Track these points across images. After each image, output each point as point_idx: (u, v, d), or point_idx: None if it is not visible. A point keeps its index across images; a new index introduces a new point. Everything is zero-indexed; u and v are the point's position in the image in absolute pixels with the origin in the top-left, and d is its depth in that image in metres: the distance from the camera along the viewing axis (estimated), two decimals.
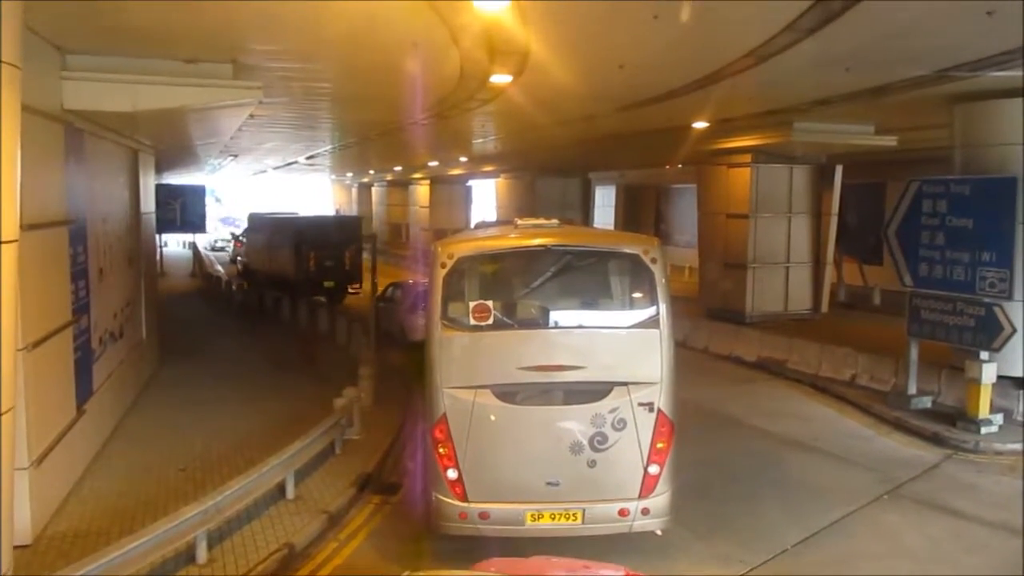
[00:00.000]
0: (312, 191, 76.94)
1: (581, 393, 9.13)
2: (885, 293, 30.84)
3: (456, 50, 11.48)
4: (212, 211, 61.37)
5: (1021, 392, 15.14)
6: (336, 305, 28.33)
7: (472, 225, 16.10)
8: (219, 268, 47.22)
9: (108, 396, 13.82)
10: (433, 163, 42.60)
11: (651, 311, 9.30)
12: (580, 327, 9.50)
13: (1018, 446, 13.86)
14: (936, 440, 14.30)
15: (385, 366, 19.67)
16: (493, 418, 9.07)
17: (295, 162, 42.43)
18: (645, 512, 9.15)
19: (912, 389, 16.10)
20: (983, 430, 14.24)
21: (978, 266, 14.46)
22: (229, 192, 76.55)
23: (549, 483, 9.03)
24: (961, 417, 14.70)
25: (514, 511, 9.06)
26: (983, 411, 14.38)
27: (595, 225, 46.79)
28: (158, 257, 44.05)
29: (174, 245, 53.67)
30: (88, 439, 12.44)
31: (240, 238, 46.18)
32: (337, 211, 74.17)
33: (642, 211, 56.35)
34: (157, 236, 45.22)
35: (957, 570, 9.49)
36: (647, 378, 9.08)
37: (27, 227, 9.35)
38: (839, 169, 23.41)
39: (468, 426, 9.03)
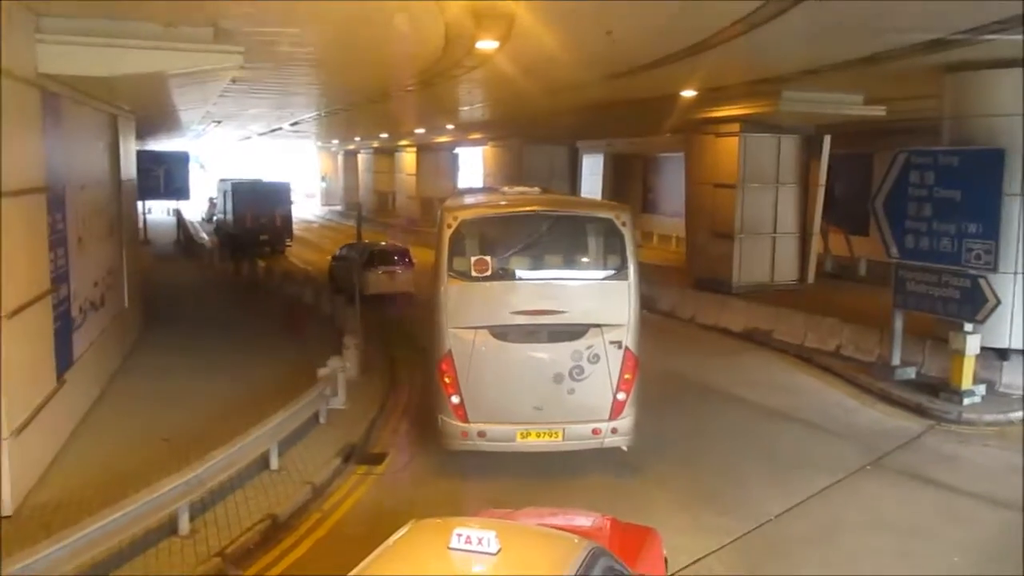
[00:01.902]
0: (298, 158, 76.30)
1: (562, 333, 10.89)
2: (871, 264, 30.85)
3: (441, 15, 11.27)
4: (197, 177, 60.78)
5: (1004, 363, 15.22)
6: (276, 257, 32.57)
7: (456, 192, 17.27)
8: (204, 235, 46.82)
9: (90, 366, 13.69)
10: (420, 130, 42.25)
11: (621, 266, 11.14)
12: (562, 278, 11.26)
13: (1000, 416, 13.96)
14: (920, 411, 14.38)
15: (372, 334, 19.73)
16: (490, 354, 10.79)
17: (280, 128, 41.96)
18: (614, 431, 11.03)
19: (896, 360, 16.15)
20: (966, 401, 14.31)
21: (964, 238, 14.44)
22: (215, 158, 75.70)
23: (535, 407, 10.78)
24: (944, 388, 14.77)
25: (507, 430, 10.86)
26: (966, 382, 14.44)
27: (582, 194, 46.79)
28: (141, 224, 44.31)
29: (159, 212, 53.03)
30: (70, 409, 12.32)
31: (213, 200, 51.00)
32: (323, 177, 73.81)
33: (630, 180, 56.01)
34: (141, 203, 45.72)
35: (939, 541, 9.56)
36: (617, 321, 10.94)
37: (4, 194, 9.19)
38: (827, 139, 23.31)
39: (469, 360, 10.77)
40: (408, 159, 52.50)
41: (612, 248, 11.27)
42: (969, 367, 14.46)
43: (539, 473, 11.09)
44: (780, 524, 9.95)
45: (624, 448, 11.28)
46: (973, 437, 13.21)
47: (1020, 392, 14.89)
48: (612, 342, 10.86)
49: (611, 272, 11.19)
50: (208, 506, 9.88)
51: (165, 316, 21.56)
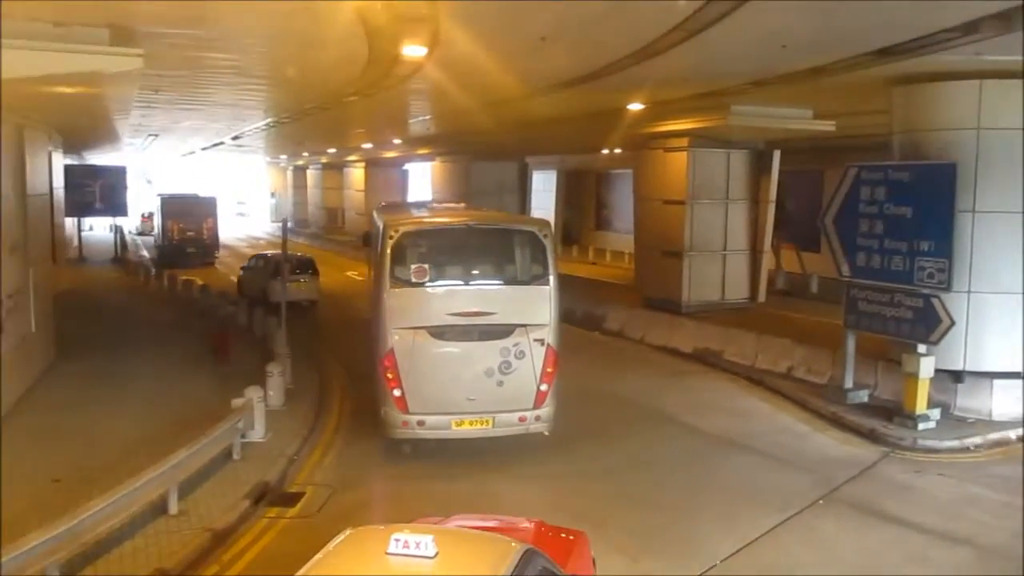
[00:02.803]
0: (247, 173, 74.74)
1: (492, 332, 12.07)
2: (823, 280, 30.61)
3: (359, 21, 10.39)
4: (143, 192, 58.89)
5: (958, 386, 14.66)
6: (202, 268, 33.24)
7: (379, 206, 18.19)
8: (145, 253, 45.17)
9: None
10: (367, 145, 41.30)
11: (543, 273, 12.42)
12: (492, 284, 12.57)
13: (955, 443, 13.37)
14: (873, 437, 13.74)
15: (304, 355, 18.68)
16: (428, 351, 11.95)
17: (221, 143, 40.70)
18: (537, 419, 12.25)
19: (849, 383, 15.54)
20: (920, 426, 13.71)
21: (916, 256, 13.89)
22: (163, 173, 73.76)
23: (469, 398, 11.91)
24: (898, 412, 14.17)
25: (443, 419, 11.98)
26: (920, 407, 13.86)
27: (534, 211, 46.17)
28: (77, 242, 42.61)
29: (102, 229, 51.03)
30: None
31: (146, 214, 52.72)
32: (273, 193, 72.31)
33: (583, 196, 55.67)
34: (78, 219, 43.99)
35: None
36: (540, 321, 12.20)
37: None
38: (777, 155, 22.81)
39: (409, 357, 11.86)
40: (357, 175, 51.41)
41: (536, 258, 12.58)
42: (923, 391, 13.88)
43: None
44: (728, 568, 9.14)
45: (546, 433, 12.44)
46: (928, 466, 12.57)
47: (975, 416, 14.35)
48: (536, 340, 12.11)
49: (535, 278, 12.51)
50: (90, 558, 8.78)
51: (85, 340, 20.21)
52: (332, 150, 47.50)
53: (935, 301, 13.70)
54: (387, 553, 5.24)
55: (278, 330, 17.02)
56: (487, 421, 12.05)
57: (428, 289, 12.16)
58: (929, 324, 13.78)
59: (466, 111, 21.81)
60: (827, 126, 20.84)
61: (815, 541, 9.95)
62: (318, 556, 5.55)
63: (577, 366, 18.96)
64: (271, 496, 11.02)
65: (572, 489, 11.43)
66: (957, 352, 14.37)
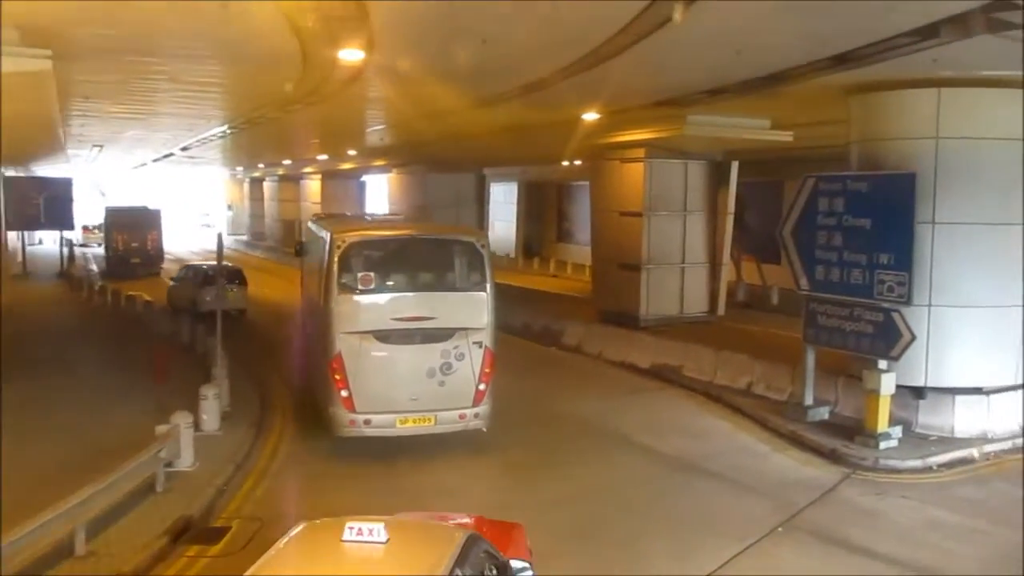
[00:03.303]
0: (204, 185, 73.28)
1: (434, 335, 12.73)
2: (783, 292, 30.36)
3: (286, 22, 9.72)
4: (96, 205, 57.16)
5: (920, 402, 14.25)
6: (148, 279, 32.91)
7: (314, 217, 19.27)
8: (94, 267, 43.77)
9: None
10: (323, 157, 40.42)
11: (481, 280, 13.16)
12: (433, 290, 13.29)
13: (918, 462, 12.92)
14: (834, 457, 13.24)
15: (246, 372, 17.89)
16: (373, 353, 12.54)
17: (171, 154, 39.59)
18: (476, 416, 12.94)
19: (809, 400, 15.07)
20: (882, 445, 13.25)
21: (876, 269, 13.45)
22: (118, 186, 71.99)
23: (412, 398, 12.56)
24: (859, 431, 13.70)
25: (388, 418, 12.57)
26: (882, 424, 13.40)
27: (494, 223, 45.62)
28: (21, 257, 41.16)
29: (51, 242, 49.29)
30: None
31: (89, 226, 52.63)
32: (229, 206, 71.00)
33: (545, 208, 55.22)
34: (22, 234, 42.52)
35: None
36: (478, 325, 12.91)
37: None
38: (735, 166, 22.42)
39: (356, 359, 12.43)
40: (313, 187, 50.42)
41: (474, 266, 13.29)
42: (884, 408, 13.42)
43: None
44: None
45: (483, 429, 13.16)
46: (891, 487, 12.06)
47: (937, 434, 13.94)
48: (474, 342, 12.84)
49: (473, 285, 13.23)
50: None
51: (12, 362, 19.11)
52: (287, 162, 46.55)
53: (895, 315, 13.27)
54: (342, 540, 5.63)
55: (217, 347, 16.18)
56: (430, 419, 12.72)
57: (373, 296, 12.78)
58: (889, 339, 13.35)
59: (417, 120, 21.19)
60: (785, 136, 20.50)
61: (775, 571, 9.37)
62: (274, 548, 5.84)
63: (533, 385, 18.43)
64: (193, 532, 10.20)
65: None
66: (918, 368, 13.95)
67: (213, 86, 15.87)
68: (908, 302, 13.07)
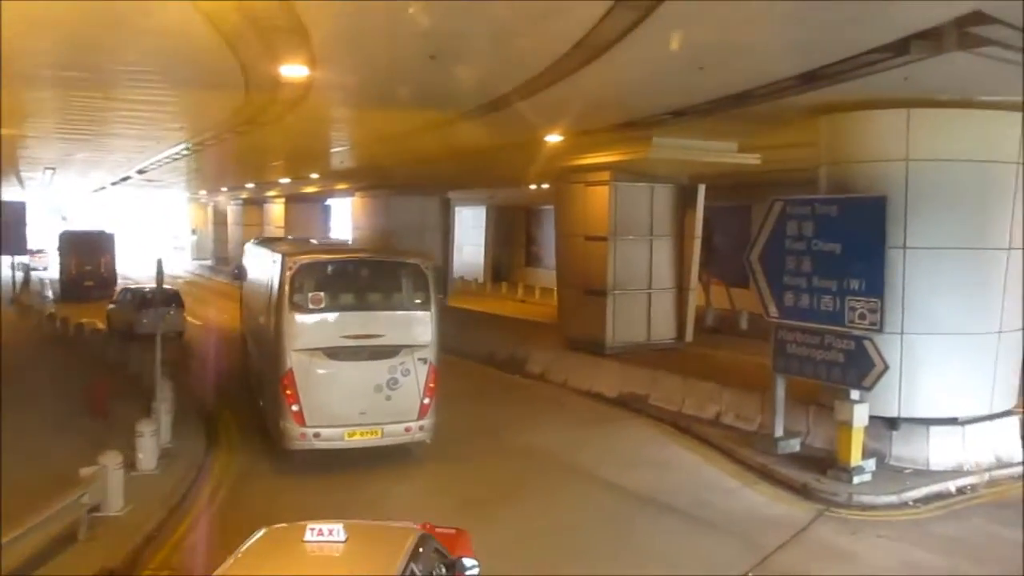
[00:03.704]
0: (171, 209, 72.00)
1: (381, 352, 13.30)
2: (753, 317, 30.00)
3: (218, 35, 9.05)
4: (55, 229, 55.60)
5: (893, 433, 13.73)
6: (101, 302, 31.47)
7: (254, 240, 20.55)
8: (49, 293, 42.43)
9: None
10: (285, 180, 39.58)
11: (425, 300, 13.79)
12: (380, 309, 13.85)
13: (893, 498, 12.36)
14: (806, 493, 12.65)
15: (193, 402, 17.04)
16: (323, 370, 13.09)
17: (128, 177, 38.58)
18: (421, 428, 13.52)
19: (779, 431, 14.51)
20: (856, 479, 12.69)
21: (847, 295, 12.95)
22: (79, 210, 70.44)
23: (360, 412, 13.10)
24: (832, 464, 13.15)
25: (337, 431, 13.06)
26: (855, 458, 12.84)
27: (461, 248, 45.10)
28: None
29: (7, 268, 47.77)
30: None
31: (35, 251, 51.41)
32: (194, 230, 69.71)
33: (513, 232, 54.83)
34: None
35: None
36: (422, 342, 13.56)
37: None
38: (702, 189, 21.98)
39: (306, 375, 12.96)
40: (277, 211, 49.49)
41: (419, 287, 13.92)
42: (857, 441, 12.88)
43: None
44: None
45: (427, 441, 13.75)
46: (866, 526, 11.48)
47: (911, 466, 13.41)
48: (419, 359, 13.49)
49: (418, 305, 13.83)
50: None
51: None
52: (250, 185, 45.64)
53: (867, 344, 12.76)
54: (303, 541, 6.11)
55: (161, 378, 15.29)
56: (377, 432, 13.26)
57: (323, 315, 13.32)
58: (861, 368, 12.83)
59: (376, 143, 20.61)
60: (752, 159, 20.10)
61: None
62: (238, 551, 6.21)
63: (495, 415, 17.73)
64: None
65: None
66: (891, 397, 13.43)
67: (156, 106, 15.11)
68: (880, 330, 12.56)
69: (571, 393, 20.03)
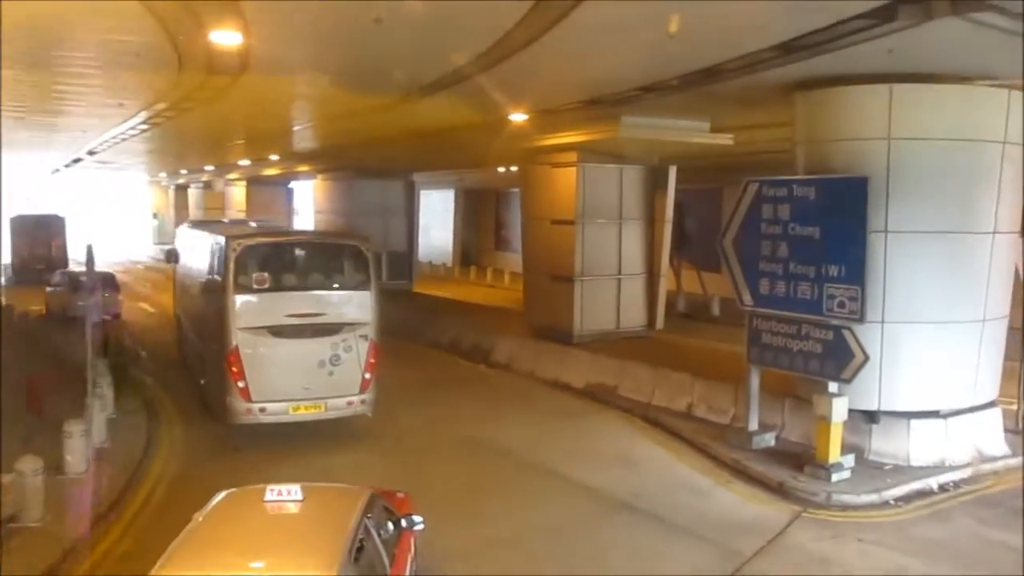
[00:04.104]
0: (132, 192, 70.11)
1: (324, 330, 13.71)
2: (724, 302, 29.45)
3: (146, 7, 8.07)
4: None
5: (873, 427, 13.06)
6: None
7: (187, 223, 21.03)
8: (2, 279, 41.00)
9: None
10: (245, 162, 38.35)
11: (365, 280, 14.24)
12: (322, 289, 14.24)
13: (874, 497, 11.68)
14: (782, 492, 11.95)
15: (137, 395, 16.23)
16: (268, 348, 13.44)
17: (80, 160, 37.18)
18: (362, 402, 13.96)
19: (753, 425, 13.80)
20: (834, 477, 12.01)
21: (825, 282, 12.22)
22: (42, 194, 68.32)
23: (304, 387, 13.47)
24: (809, 460, 12.46)
25: (282, 406, 13.41)
26: (833, 455, 12.16)
27: (429, 232, 44.12)
28: None
29: None
30: None
31: None
32: (155, 214, 67.94)
33: (482, 216, 53.88)
34: None
35: None
36: (363, 320, 13.98)
37: None
38: (673, 171, 21.16)
39: (252, 352, 13.30)
40: (238, 194, 48.11)
41: (359, 267, 14.43)
42: (836, 436, 12.19)
43: None
44: None
45: (369, 414, 14.20)
46: (846, 528, 10.78)
47: (892, 461, 12.76)
48: (360, 336, 13.92)
49: (359, 284, 14.30)
50: None
51: None
52: (210, 167, 44.33)
53: (847, 333, 12.05)
54: (264, 501, 6.60)
55: (96, 367, 14.32)
56: (320, 406, 13.67)
57: (268, 294, 13.67)
58: (840, 360, 12.12)
59: (330, 121, 19.60)
60: (725, 140, 19.32)
61: None
62: (201, 513, 6.64)
63: (458, 407, 16.88)
64: None
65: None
66: (871, 390, 12.73)
67: (87, 82, 14.01)
68: (861, 319, 11.84)
69: (537, 384, 19.24)
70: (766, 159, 21.71)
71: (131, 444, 13.66)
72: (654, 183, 21.31)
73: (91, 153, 33.19)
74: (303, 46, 10.63)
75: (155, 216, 69.37)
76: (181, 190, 59.53)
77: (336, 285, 14.38)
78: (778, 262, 12.91)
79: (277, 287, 13.78)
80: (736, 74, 12.42)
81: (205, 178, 49.98)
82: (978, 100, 12.40)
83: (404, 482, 10.92)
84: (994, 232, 12.87)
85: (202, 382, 15.84)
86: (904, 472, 12.45)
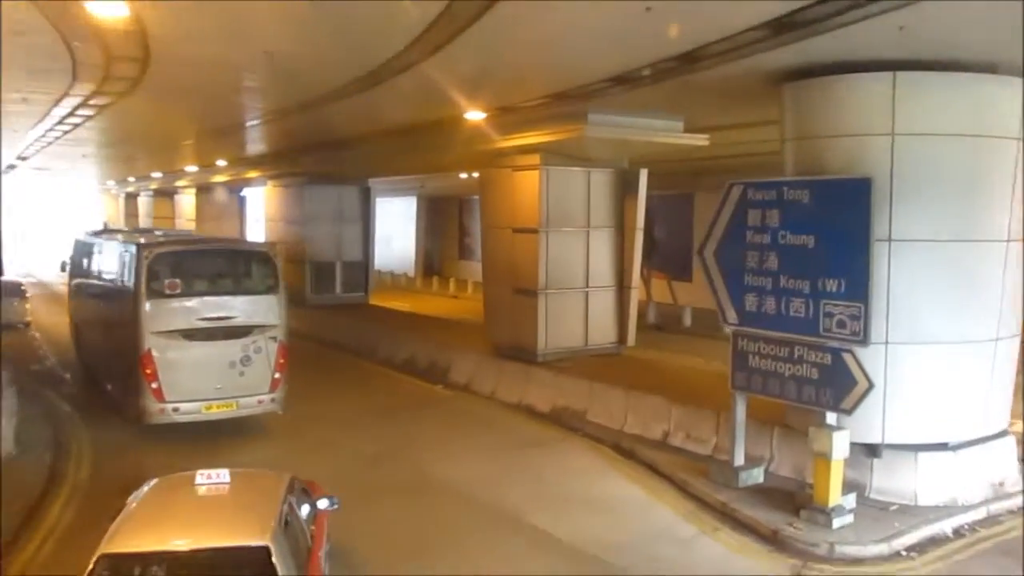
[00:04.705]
0: (86, 202, 67.73)
1: (234, 332, 14.46)
2: (697, 312, 28.13)
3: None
4: None
5: (874, 461, 11.53)
6: None
7: (87, 232, 20.57)
8: None
9: None
10: (192, 168, 36.28)
11: (274, 285, 15.05)
12: (233, 293, 14.82)
13: (883, 547, 10.11)
14: (777, 542, 10.34)
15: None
16: (180, 350, 14.10)
17: (13, 166, 34.90)
18: (272, 401, 14.74)
19: (739, 459, 12.21)
20: (836, 522, 10.44)
21: (822, 298, 10.67)
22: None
23: (217, 387, 14.22)
24: (806, 502, 10.89)
25: (195, 405, 14.11)
26: (834, 497, 10.58)
27: (388, 240, 42.37)
28: None
29: None
30: None
31: None
32: (106, 223, 65.41)
33: (446, 224, 52.45)
34: None
35: None
36: (272, 323, 14.80)
37: None
38: (644, 174, 19.58)
39: (164, 355, 13.96)
40: (188, 202, 45.86)
41: (268, 273, 15.08)
42: (837, 476, 10.62)
43: None
44: None
45: (280, 412, 14.82)
46: None
47: (896, 501, 11.23)
48: (270, 337, 14.58)
49: (267, 289, 14.94)
50: None
51: None
52: (158, 174, 42.17)
53: (847, 357, 10.50)
54: (195, 484, 7.35)
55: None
56: (232, 405, 14.32)
57: (179, 299, 14.23)
58: (840, 387, 10.58)
59: (277, 116, 17.92)
60: (700, 140, 17.77)
61: None
62: (135, 499, 7.26)
63: (407, 436, 15.19)
64: None
65: None
66: (873, 420, 11.18)
67: None
68: (864, 340, 10.29)
69: (499, 407, 17.56)
70: (744, 162, 20.35)
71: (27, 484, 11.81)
72: (624, 188, 19.66)
73: (22, 159, 31.00)
74: (210, 24, 8.88)
75: (106, 225, 66.79)
76: (131, 199, 57.02)
77: (246, 290, 14.96)
78: (767, 275, 11.35)
79: (188, 292, 14.32)
80: (718, 60, 10.88)
81: (154, 186, 47.63)
82: (992, 91, 10.95)
83: (336, 536, 9.19)
84: (1008, 240, 11.42)
85: (108, 387, 16.24)
86: (912, 514, 10.92)
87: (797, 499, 11.18)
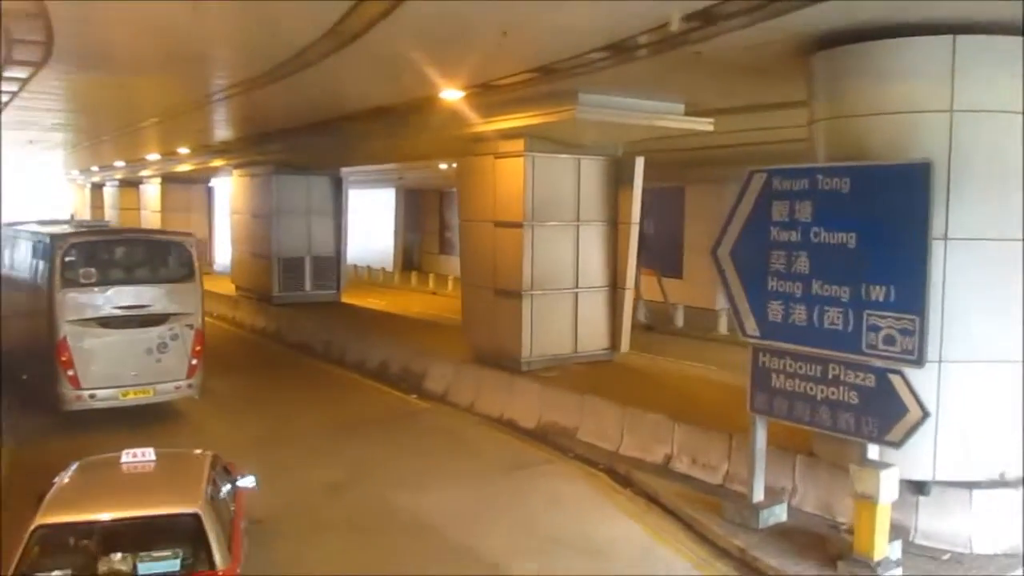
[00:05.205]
0: (55, 191, 65.49)
1: (150, 320, 14.87)
2: (690, 312, 26.49)
3: None
4: None
5: (920, 499, 9.75)
6: None
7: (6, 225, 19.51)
8: None
9: None
10: (153, 156, 34.16)
11: (191, 273, 15.50)
12: (149, 282, 15.20)
13: None
14: None
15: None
16: (97, 338, 14.43)
17: None
18: (189, 387, 15.19)
19: (759, 495, 10.40)
20: None
21: (865, 308, 8.86)
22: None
23: (134, 374, 14.61)
24: (842, 550, 9.11)
25: (112, 392, 14.48)
26: (880, 548, 8.79)
27: (364, 233, 40.48)
28: None
29: None
30: None
31: None
32: (72, 215, 63.09)
33: (426, 217, 50.76)
34: None
35: None
36: (189, 311, 15.23)
37: None
38: (640, 163, 17.75)
39: (80, 343, 14.27)
40: (153, 193, 43.66)
41: (183, 262, 15.49)
42: (884, 522, 8.83)
43: None
44: None
45: (196, 397, 15.31)
46: None
47: (949, 548, 9.44)
48: (187, 325, 15.09)
49: (183, 277, 15.38)
50: None
51: None
52: (120, 163, 40.01)
53: (896, 380, 8.70)
54: (121, 463, 7.68)
55: None
56: (149, 391, 14.68)
57: (94, 288, 14.44)
58: (887, 415, 8.79)
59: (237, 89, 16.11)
60: (704, 124, 16.02)
61: None
62: (59, 480, 7.48)
63: (372, 457, 13.37)
64: None
65: None
66: (921, 451, 9.36)
67: None
68: (919, 360, 8.49)
69: (478, 422, 15.71)
70: (741, 152, 18.73)
71: None
72: (617, 178, 17.84)
73: None
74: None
75: (72, 217, 64.41)
76: (97, 189, 54.71)
77: (161, 278, 15.19)
78: (796, 279, 9.52)
79: (104, 281, 14.55)
80: (738, 23, 9.07)
81: (119, 175, 45.43)
82: None
83: None
84: None
85: (24, 377, 15.97)
86: (969, 565, 9.16)
87: (831, 545, 9.42)
